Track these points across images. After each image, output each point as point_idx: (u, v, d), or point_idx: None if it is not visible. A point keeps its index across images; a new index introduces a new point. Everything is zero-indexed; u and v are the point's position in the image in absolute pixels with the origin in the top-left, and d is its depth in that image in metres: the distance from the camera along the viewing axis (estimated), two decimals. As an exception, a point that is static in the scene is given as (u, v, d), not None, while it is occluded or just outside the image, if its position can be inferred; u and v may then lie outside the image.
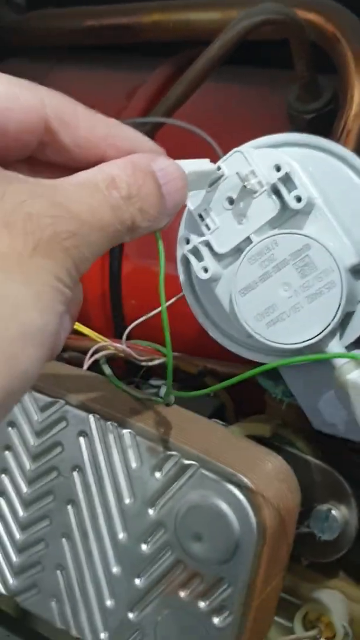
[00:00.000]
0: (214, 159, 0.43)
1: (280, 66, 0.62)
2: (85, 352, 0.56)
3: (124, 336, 0.55)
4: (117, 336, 0.62)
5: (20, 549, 0.49)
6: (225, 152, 0.43)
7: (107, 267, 0.64)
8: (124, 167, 0.29)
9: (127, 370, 0.63)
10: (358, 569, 0.51)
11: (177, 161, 0.36)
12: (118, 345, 0.55)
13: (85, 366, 0.53)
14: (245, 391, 0.54)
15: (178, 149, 0.59)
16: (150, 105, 0.61)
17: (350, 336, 0.42)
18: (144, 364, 0.55)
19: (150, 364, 0.55)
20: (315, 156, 0.42)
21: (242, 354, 0.45)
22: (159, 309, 0.57)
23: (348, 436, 0.45)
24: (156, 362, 0.55)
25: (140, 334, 0.57)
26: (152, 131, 0.54)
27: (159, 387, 0.61)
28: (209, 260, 0.42)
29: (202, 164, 0.39)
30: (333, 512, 0.46)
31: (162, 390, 0.44)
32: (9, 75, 0.28)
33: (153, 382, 0.61)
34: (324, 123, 0.51)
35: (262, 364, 0.44)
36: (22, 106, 0.27)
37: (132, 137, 0.31)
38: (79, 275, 0.26)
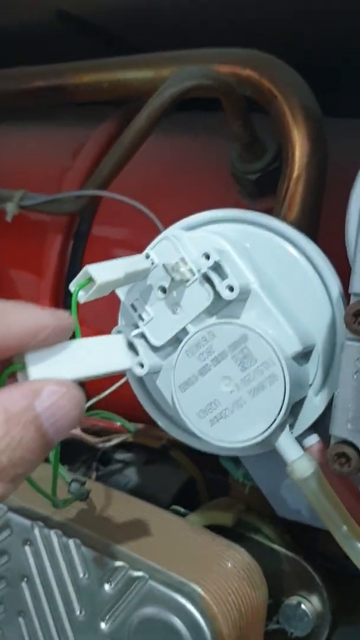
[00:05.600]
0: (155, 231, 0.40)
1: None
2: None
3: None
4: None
5: (-25, 661, 0.46)
6: (169, 218, 0.40)
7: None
8: None
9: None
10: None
11: (111, 262, 0.34)
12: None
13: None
14: (216, 465, 0.51)
15: (120, 220, 0.56)
16: (95, 164, 0.58)
17: (302, 424, 0.39)
18: (100, 446, 0.52)
19: (107, 444, 0.52)
20: (254, 232, 0.39)
21: (194, 446, 0.42)
22: (121, 381, 0.54)
23: (313, 523, 0.42)
24: (114, 441, 0.52)
25: (101, 402, 0.54)
26: (91, 203, 0.52)
27: (124, 461, 0.57)
28: (144, 354, 0.39)
29: (136, 262, 0.37)
30: (303, 606, 0.42)
31: (72, 486, 0.42)
32: None
33: (119, 456, 0.58)
34: (271, 181, 0.48)
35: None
36: None
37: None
38: None
